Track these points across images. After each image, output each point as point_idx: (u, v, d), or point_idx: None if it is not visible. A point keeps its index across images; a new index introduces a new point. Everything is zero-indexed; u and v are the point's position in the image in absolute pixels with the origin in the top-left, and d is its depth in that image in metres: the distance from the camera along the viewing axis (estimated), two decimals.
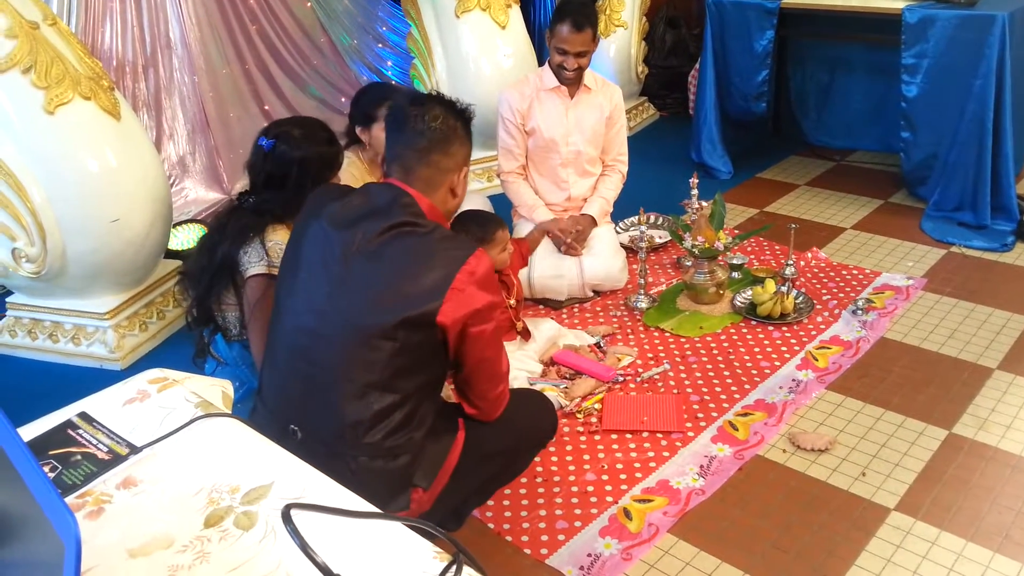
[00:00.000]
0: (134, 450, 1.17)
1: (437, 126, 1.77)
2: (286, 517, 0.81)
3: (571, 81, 3.16)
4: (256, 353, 2.20)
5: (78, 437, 1.21)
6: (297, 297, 1.73)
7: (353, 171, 2.83)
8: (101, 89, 2.88)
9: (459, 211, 2.37)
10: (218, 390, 1.35)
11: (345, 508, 0.98)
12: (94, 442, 1.19)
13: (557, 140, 3.22)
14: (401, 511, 1.75)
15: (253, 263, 2.17)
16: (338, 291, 1.67)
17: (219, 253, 2.20)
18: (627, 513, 2.17)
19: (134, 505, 1.07)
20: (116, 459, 1.16)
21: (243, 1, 4.40)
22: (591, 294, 3.24)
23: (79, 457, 1.17)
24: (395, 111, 1.83)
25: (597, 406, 2.58)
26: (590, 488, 2.26)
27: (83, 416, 1.25)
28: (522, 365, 2.73)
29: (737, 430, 2.45)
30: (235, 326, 2.30)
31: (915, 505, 2.15)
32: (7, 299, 3.16)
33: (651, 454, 2.37)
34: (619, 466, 2.34)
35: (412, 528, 1.00)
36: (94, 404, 1.27)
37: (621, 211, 3.53)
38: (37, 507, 0.75)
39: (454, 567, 0.91)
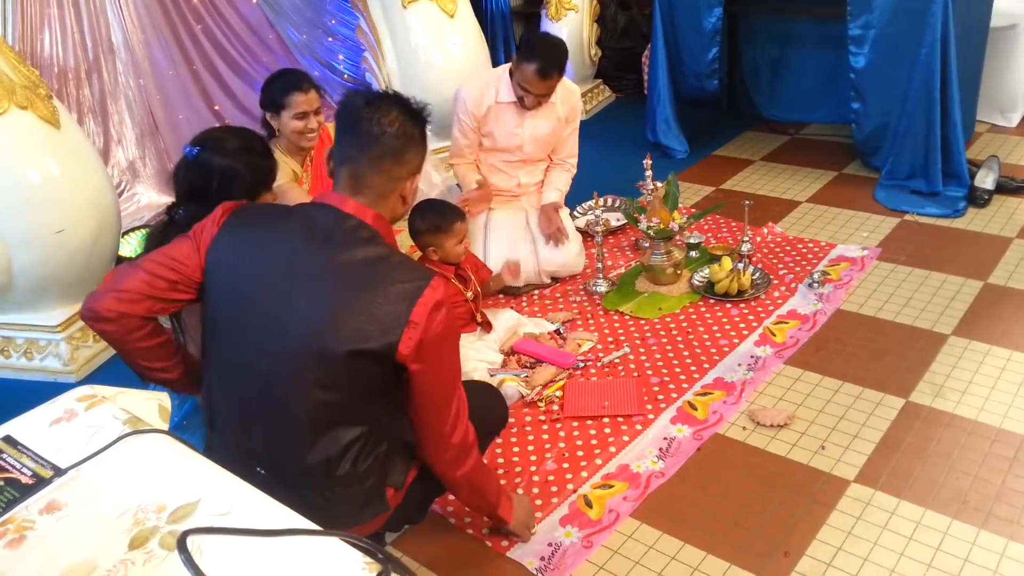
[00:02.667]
0: (59, 472, 1.14)
1: (393, 132, 1.62)
2: (181, 545, 0.78)
3: (529, 108, 3.13)
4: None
5: (2, 463, 1.18)
6: (244, 335, 1.59)
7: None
8: (38, 98, 2.81)
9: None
10: (154, 404, 1.33)
11: (255, 528, 0.94)
12: (18, 466, 1.16)
13: (510, 148, 3.23)
14: (380, 513, 1.72)
15: None
16: (290, 328, 1.54)
17: None
18: (587, 501, 2.16)
19: (58, 531, 1.04)
20: (40, 483, 1.13)
21: (187, 1, 4.31)
22: (549, 280, 3.23)
23: (1, 483, 1.13)
24: (347, 110, 1.67)
25: (558, 393, 2.57)
26: (550, 477, 2.26)
27: (7, 440, 1.21)
28: (482, 356, 2.71)
29: (696, 410, 2.46)
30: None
31: (874, 476, 2.16)
32: None
33: (611, 439, 2.37)
34: (579, 453, 2.33)
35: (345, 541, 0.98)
36: (19, 426, 1.24)
37: (576, 195, 3.52)
38: None
39: None
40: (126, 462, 1.14)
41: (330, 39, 4.95)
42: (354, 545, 0.94)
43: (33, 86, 2.83)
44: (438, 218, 2.68)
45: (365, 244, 1.59)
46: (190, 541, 0.85)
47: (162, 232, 2.17)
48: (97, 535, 1.02)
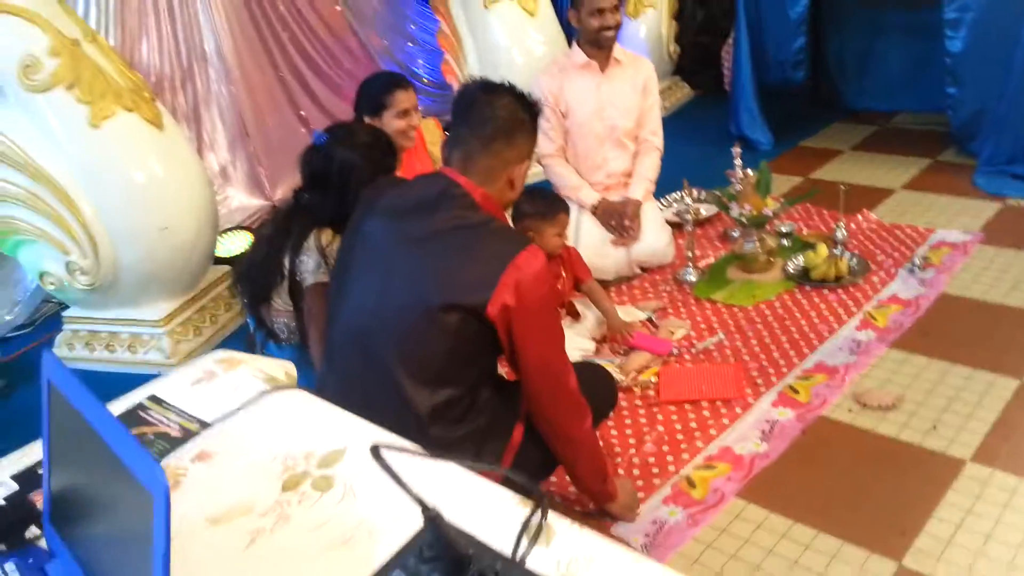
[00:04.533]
0: (205, 426, 1.18)
1: (505, 115, 1.71)
2: (375, 453, 0.80)
3: (611, 42, 3.14)
4: (316, 359, 2.17)
5: (149, 418, 1.23)
6: (350, 296, 1.71)
7: None
8: (143, 100, 2.93)
9: None
10: (281, 370, 1.36)
11: (430, 453, 0.96)
12: (165, 421, 1.21)
13: (591, 115, 3.21)
14: None
15: (310, 271, 2.13)
16: (389, 285, 1.65)
17: (277, 258, 2.18)
18: (690, 481, 2.14)
19: (211, 476, 1.07)
20: (188, 436, 1.17)
21: (274, 9, 4.45)
22: (639, 271, 3.21)
23: (152, 437, 1.18)
24: (464, 96, 1.78)
25: (653, 379, 2.55)
26: (651, 459, 2.24)
27: (153, 399, 1.27)
28: (574, 344, 2.70)
29: (798, 393, 2.41)
30: (283, 331, 2.27)
31: (991, 455, 2.09)
32: (63, 313, 3.23)
33: (711, 423, 2.34)
34: (679, 436, 2.31)
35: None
36: (163, 386, 1.29)
37: (663, 188, 3.49)
38: (123, 468, 0.76)
39: (539, 511, 0.90)
40: (269, 416, 1.18)
41: (410, 44, 5.05)
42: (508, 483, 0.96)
43: (138, 89, 2.95)
44: (545, 205, 2.69)
45: (468, 210, 1.67)
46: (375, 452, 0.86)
47: (287, 215, 2.25)
48: (250, 480, 1.05)
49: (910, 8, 4.07)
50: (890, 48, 4.32)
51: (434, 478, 0.97)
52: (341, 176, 2.16)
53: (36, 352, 3.30)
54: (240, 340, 2.47)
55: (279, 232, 2.21)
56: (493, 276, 1.57)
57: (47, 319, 3.51)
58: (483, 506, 0.96)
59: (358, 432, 1.12)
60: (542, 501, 0.89)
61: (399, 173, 2.94)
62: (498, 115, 1.72)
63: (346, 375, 1.72)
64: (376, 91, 2.80)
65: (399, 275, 1.65)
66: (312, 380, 2.21)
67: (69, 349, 3.19)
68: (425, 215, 1.69)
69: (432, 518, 0.79)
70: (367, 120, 2.83)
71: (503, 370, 1.99)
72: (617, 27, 3.11)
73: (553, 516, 0.92)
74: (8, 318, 3.48)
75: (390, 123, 2.77)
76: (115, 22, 3.82)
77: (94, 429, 0.81)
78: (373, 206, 1.79)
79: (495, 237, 1.65)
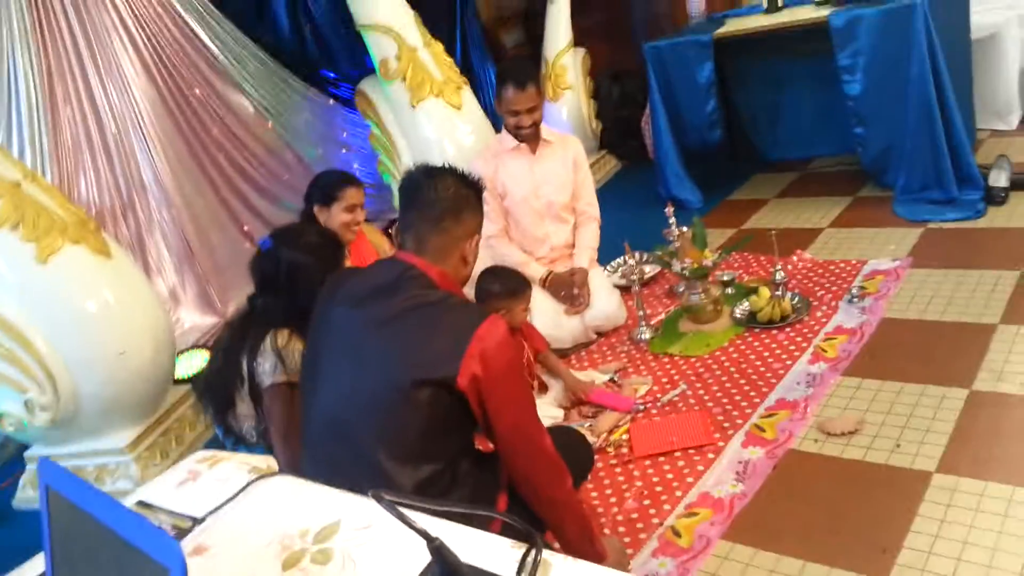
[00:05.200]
0: (197, 521, 1.19)
1: (450, 194, 1.79)
2: (378, 497, 0.84)
3: (530, 137, 3.29)
4: (283, 463, 2.15)
5: None
6: (322, 388, 1.74)
7: None
8: (88, 232, 2.95)
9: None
10: (264, 462, 1.38)
11: (431, 507, 0.99)
12: (156, 524, 1.22)
13: (528, 194, 3.34)
14: None
15: (267, 373, 2.15)
16: (359, 371, 1.68)
17: (236, 364, 2.20)
18: (675, 531, 2.17)
19: (210, 569, 1.09)
20: (181, 533, 1.18)
21: (207, 134, 4.55)
22: (594, 336, 3.29)
23: None
24: (409, 182, 1.85)
25: (625, 436, 2.60)
26: (634, 515, 2.27)
27: (141, 504, 1.27)
28: (544, 412, 2.73)
29: (765, 431, 2.48)
30: (252, 435, 2.28)
31: (955, 464, 2.17)
32: (25, 453, 3.16)
33: (687, 471, 2.39)
34: (658, 488, 2.35)
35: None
36: (149, 491, 1.30)
37: (605, 255, 3.61)
38: (136, 552, 0.78)
39: (533, 551, 0.94)
40: (260, 502, 1.20)
41: (344, 150, 5.18)
42: (504, 525, 0.99)
43: (82, 222, 2.97)
44: (513, 282, 2.79)
45: (426, 289, 1.73)
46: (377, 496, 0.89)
47: (242, 321, 2.28)
48: (249, 566, 1.07)
49: (807, 59, 4.35)
50: (796, 99, 4.58)
51: (430, 528, 1.00)
52: (290, 276, 2.21)
53: (1, 495, 3.21)
54: None
55: (235, 338, 2.24)
56: (459, 349, 1.61)
57: (7, 462, 3.42)
58: (480, 550, 0.99)
59: (349, 504, 1.15)
60: (536, 538, 0.93)
61: (349, 264, 3.02)
62: (443, 195, 1.80)
63: (327, 463, 1.73)
64: (329, 184, 2.94)
65: (368, 359, 1.69)
66: None
67: (34, 489, 3.12)
68: (386, 298, 1.74)
69: (437, 548, 0.83)
70: (316, 208, 2.92)
71: (480, 445, 2.03)
72: (534, 126, 3.25)
73: (548, 553, 0.96)
74: None
75: (337, 215, 2.88)
76: (51, 161, 3.87)
77: (100, 521, 0.83)
78: (334, 295, 1.84)
79: (456, 311, 1.70)
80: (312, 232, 2.43)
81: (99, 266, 2.94)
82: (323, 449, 1.74)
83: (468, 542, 1.01)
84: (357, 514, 1.11)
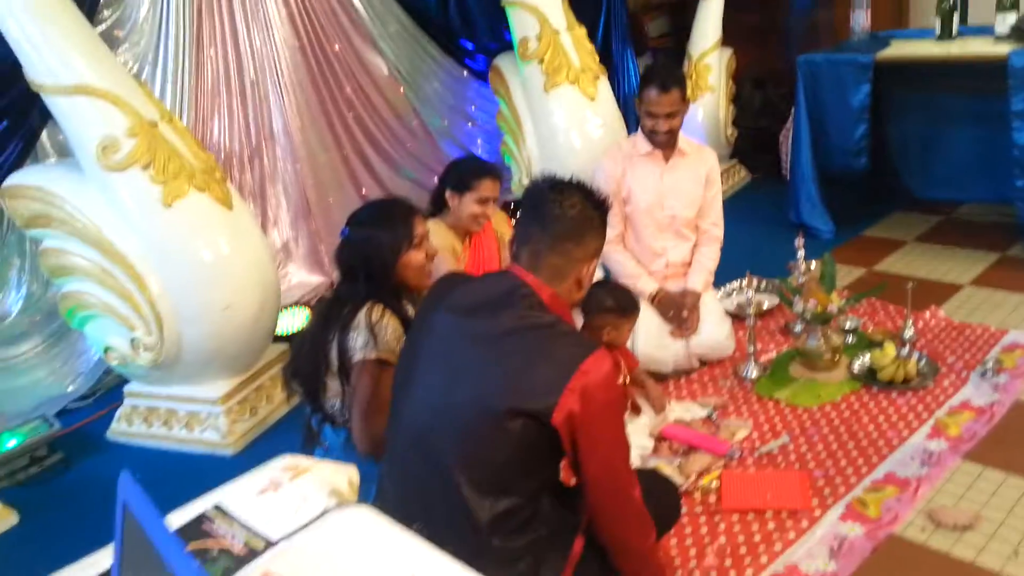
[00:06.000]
0: (270, 544, 1.16)
1: (574, 214, 1.70)
2: None
3: (664, 144, 3.15)
4: (358, 440, 2.17)
5: (214, 531, 1.21)
6: (414, 393, 1.70)
7: (435, 238, 2.84)
8: (214, 181, 2.99)
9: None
10: (344, 477, 1.34)
11: None
12: (229, 536, 1.19)
13: (653, 205, 3.20)
14: None
15: (359, 348, 2.14)
16: (453, 384, 1.63)
17: (324, 347, 2.20)
18: None
19: None
20: (252, 554, 1.15)
21: (340, 91, 4.57)
22: (697, 364, 3.15)
23: (216, 553, 1.16)
24: (533, 194, 1.78)
25: (715, 483, 2.47)
26: (713, 574, 2.15)
27: (218, 508, 1.25)
28: (633, 441, 2.60)
29: (868, 507, 2.30)
30: (341, 414, 2.28)
31: None
32: (124, 388, 3.27)
33: (776, 535, 2.25)
34: (743, 550, 2.22)
35: None
36: (228, 495, 1.27)
37: (722, 273, 3.44)
38: None
39: None
40: (334, 535, 1.16)
41: (470, 124, 5.13)
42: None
43: (210, 170, 3.01)
44: (625, 300, 2.72)
45: (535, 311, 1.66)
46: None
47: (328, 306, 2.28)
48: None
49: (975, 95, 4.02)
50: (955, 136, 4.25)
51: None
52: (364, 256, 2.21)
53: (96, 424, 3.34)
54: (295, 421, 2.47)
55: (321, 323, 2.25)
56: (560, 382, 1.53)
57: (107, 391, 3.55)
58: None
59: (422, 558, 1.10)
60: None
61: (468, 255, 2.97)
62: (567, 214, 1.71)
63: (406, 480, 1.70)
64: (467, 171, 2.89)
65: (464, 374, 1.63)
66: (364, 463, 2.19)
67: (128, 424, 3.23)
68: (492, 314, 1.67)
69: None
70: (448, 193, 2.88)
71: (565, 476, 1.95)
72: (670, 133, 3.11)
73: None
74: (70, 388, 3.54)
75: (469, 205, 2.83)
76: (189, 102, 3.95)
77: (161, 555, 0.80)
78: (441, 301, 1.78)
79: (563, 340, 1.62)
80: (375, 206, 2.41)
81: (220, 216, 2.97)
82: (404, 461, 1.70)
83: None
84: (429, 571, 1.05)
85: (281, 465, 1.34)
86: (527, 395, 1.55)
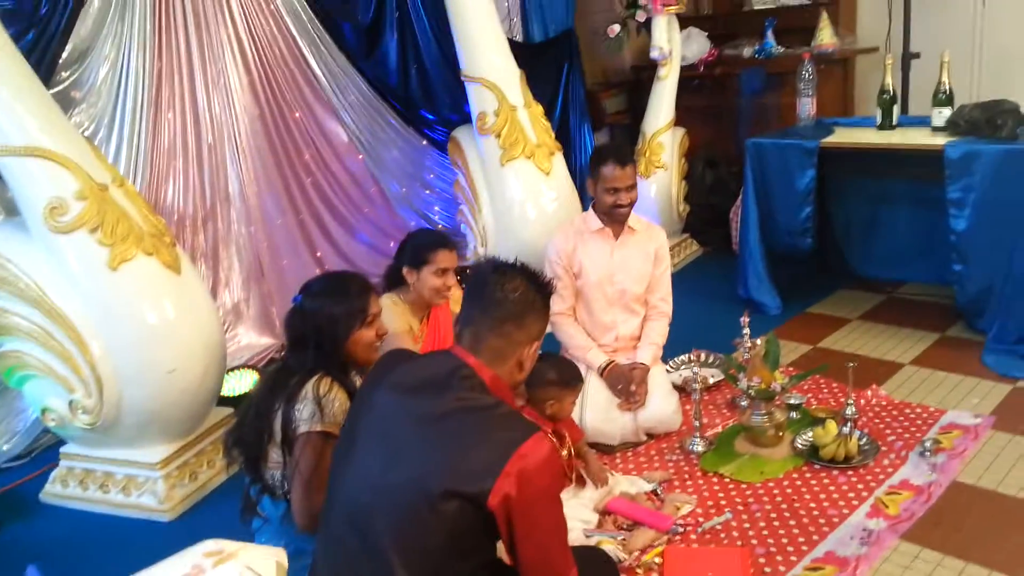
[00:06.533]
0: None
1: (516, 297, 1.73)
2: None
3: (624, 218, 3.22)
4: (298, 514, 2.13)
5: None
6: (351, 471, 1.68)
7: (391, 315, 2.85)
8: (163, 245, 2.98)
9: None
10: (272, 561, 1.31)
11: None
12: None
13: (603, 279, 3.25)
14: None
15: (304, 420, 2.12)
16: (391, 464, 1.61)
17: (268, 416, 2.18)
18: None
19: None
20: None
21: (299, 157, 4.61)
22: (644, 438, 3.16)
23: None
24: (476, 276, 1.81)
25: (658, 560, 2.46)
26: None
27: None
28: (576, 514, 2.63)
29: None
30: (281, 485, 2.23)
31: None
32: (61, 449, 3.19)
33: None
34: None
35: None
36: None
37: (671, 346, 3.48)
38: None
39: None
40: None
41: (428, 192, 5.19)
42: None
43: (160, 234, 3.00)
44: (569, 374, 2.74)
45: (476, 393, 1.66)
46: None
47: (275, 374, 2.27)
48: None
49: (915, 181, 4.17)
50: (897, 219, 4.39)
51: None
52: (315, 326, 2.20)
53: (29, 485, 3.25)
54: (236, 487, 2.42)
55: (267, 391, 2.23)
56: (496, 465, 1.53)
57: (43, 452, 3.46)
58: None
59: None
60: None
61: (426, 333, 2.96)
62: (508, 297, 1.74)
63: (340, 559, 1.66)
64: (421, 246, 2.89)
65: (403, 454, 1.62)
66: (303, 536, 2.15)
67: (63, 486, 3.15)
68: (433, 394, 1.67)
69: None
70: (405, 270, 2.89)
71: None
72: (631, 205, 3.19)
73: None
74: (5, 448, 3.45)
75: (427, 279, 2.84)
76: (144, 164, 3.95)
77: None
78: (383, 379, 1.78)
79: (502, 423, 1.62)
80: (332, 278, 2.43)
81: (167, 280, 2.95)
82: (339, 539, 1.67)
83: None
84: None
85: (204, 550, 1.31)
86: (464, 477, 1.53)
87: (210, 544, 1.31)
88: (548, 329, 3.32)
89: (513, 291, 1.74)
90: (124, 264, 2.84)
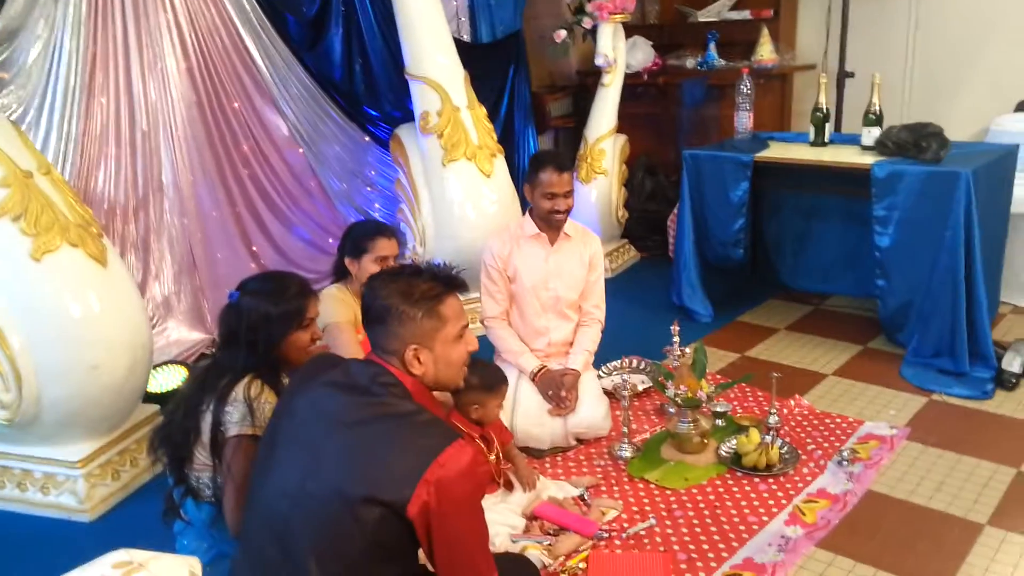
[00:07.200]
0: None
1: (378, 305, 1.76)
2: None
3: (561, 224, 3.25)
4: (230, 519, 2.10)
5: None
6: (271, 477, 1.67)
7: (337, 305, 2.86)
8: (90, 236, 2.90)
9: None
10: (186, 571, 1.29)
11: None
12: None
13: (537, 285, 3.28)
14: None
15: (234, 422, 2.09)
16: (311, 470, 1.60)
17: (196, 415, 2.14)
18: None
19: None
20: None
21: (237, 148, 4.53)
22: (574, 442, 3.20)
23: None
24: (364, 294, 1.85)
25: (582, 565, 2.49)
26: None
27: None
28: (504, 519, 2.65)
29: None
30: (208, 487, 2.20)
31: None
32: None
33: None
34: None
35: None
36: None
37: (603, 354, 3.54)
38: None
39: None
40: None
41: (368, 188, 5.15)
42: None
43: (86, 224, 2.92)
44: (492, 378, 2.76)
45: (397, 399, 1.68)
46: None
47: (205, 372, 2.23)
48: None
49: (843, 197, 4.30)
50: (826, 233, 4.52)
51: None
52: (249, 325, 2.17)
53: None
54: (161, 486, 2.37)
55: (197, 390, 2.19)
56: (415, 473, 1.53)
57: None
58: None
59: None
60: None
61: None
62: (375, 303, 1.76)
63: (258, 566, 1.65)
64: (360, 235, 2.92)
65: (324, 459, 1.62)
66: (226, 540, 2.12)
67: None
68: (355, 401, 1.68)
69: None
70: (347, 261, 2.90)
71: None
72: (567, 211, 3.22)
73: None
74: None
75: (367, 267, 2.87)
76: (75, 150, 3.84)
77: None
78: (306, 384, 1.77)
79: (422, 430, 1.62)
80: (271, 278, 2.40)
81: (93, 273, 2.88)
82: (258, 549, 1.66)
83: None
84: None
85: (112, 561, 1.27)
86: (383, 484, 1.54)
87: (120, 554, 1.28)
88: (481, 332, 3.39)
89: (380, 299, 1.75)
90: (47, 255, 2.76)
